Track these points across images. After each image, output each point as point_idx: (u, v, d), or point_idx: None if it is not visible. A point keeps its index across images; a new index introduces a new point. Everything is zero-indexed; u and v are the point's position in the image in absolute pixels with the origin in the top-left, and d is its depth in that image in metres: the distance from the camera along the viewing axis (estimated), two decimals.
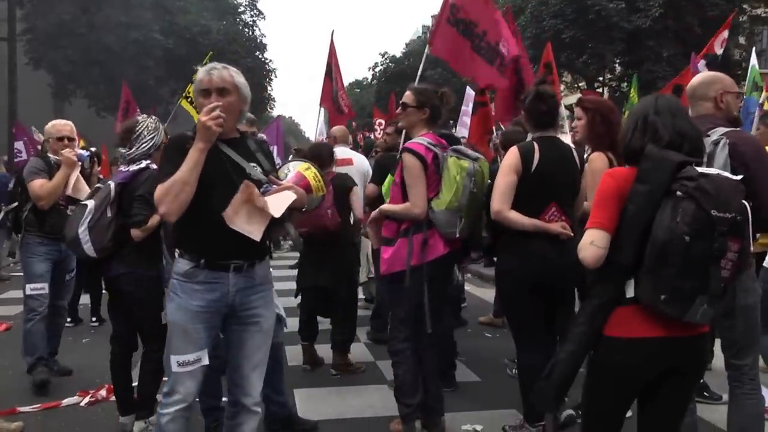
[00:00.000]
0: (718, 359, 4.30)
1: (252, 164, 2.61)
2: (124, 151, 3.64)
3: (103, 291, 4.02)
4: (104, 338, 3.99)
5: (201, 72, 2.58)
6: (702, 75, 3.31)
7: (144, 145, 3.54)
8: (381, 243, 3.65)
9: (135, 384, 3.72)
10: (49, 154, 4.58)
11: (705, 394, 4.15)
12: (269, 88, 34.02)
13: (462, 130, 8.15)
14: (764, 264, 3.99)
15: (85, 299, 6.50)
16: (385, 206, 3.61)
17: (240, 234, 2.43)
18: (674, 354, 2.14)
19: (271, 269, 2.82)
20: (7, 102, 17.52)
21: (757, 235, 3.00)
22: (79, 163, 4.47)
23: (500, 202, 3.36)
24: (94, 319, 6.46)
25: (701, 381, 4.09)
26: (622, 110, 8.36)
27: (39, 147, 7.00)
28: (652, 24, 19.58)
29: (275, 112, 36.94)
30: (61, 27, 23.30)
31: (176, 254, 2.64)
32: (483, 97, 7.65)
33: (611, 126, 3.43)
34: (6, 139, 16.54)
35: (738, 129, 2.97)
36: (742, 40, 21.43)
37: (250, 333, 2.64)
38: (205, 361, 2.58)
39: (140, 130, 3.56)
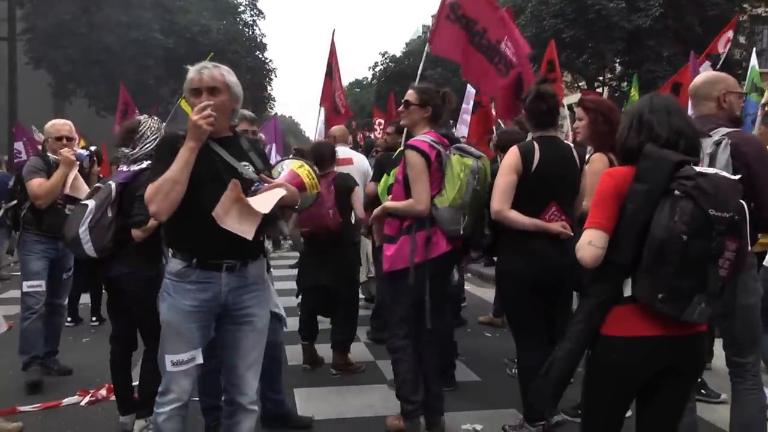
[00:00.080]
0: (718, 359, 4.31)
1: (244, 163, 2.60)
2: (127, 150, 3.64)
3: (103, 291, 4.03)
4: (104, 338, 3.99)
5: (191, 71, 2.57)
6: (705, 74, 3.30)
7: (147, 145, 3.54)
8: (383, 240, 3.66)
9: (135, 383, 3.73)
10: (49, 154, 4.59)
11: (702, 391, 4.15)
12: (269, 87, 34.07)
13: (462, 128, 8.14)
14: (764, 263, 3.99)
15: (85, 299, 6.50)
16: (388, 203, 3.61)
17: (232, 233, 2.42)
18: (672, 353, 2.14)
19: (272, 270, 2.82)
20: (7, 102, 17.51)
21: (758, 234, 2.99)
22: (78, 163, 4.47)
23: (500, 201, 3.36)
24: (94, 318, 6.47)
25: (700, 379, 4.10)
26: (622, 110, 8.35)
27: (39, 147, 7.00)
28: (652, 23, 19.58)
29: (275, 112, 36.97)
30: (61, 27, 23.31)
31: (169, 254, 2.64)
32: (482, 97, 7.66)
33: (613, 125, 3.43)
34: (6, 139, 16.55)
35: (740, 129, 2.97)
36: (742, 39, 21.40)
37: (243, 332, 2.64)
38: (199, 360, 2.58)
39: (143, 131, 3.57)
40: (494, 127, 7.74)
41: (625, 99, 15.47)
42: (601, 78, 23.82)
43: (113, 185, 3.48)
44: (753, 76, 7.57)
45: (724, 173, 2.13)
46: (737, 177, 2.11)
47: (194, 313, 2.53)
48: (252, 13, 32.99)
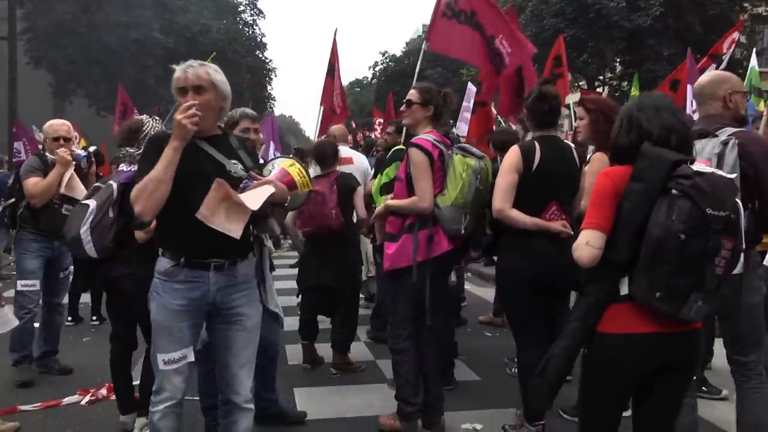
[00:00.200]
0: (718, 358, 4.32)
1: (233, 161, 2.59)
2: (132, 150, 3.63)
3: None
4: (105, 337, 4.00)
5: (177, 70, 2.57)
6: (710, 74, 3.31)
7: None
8: (385, 239, 3.66)
9: (136, 383, 3.73)
10: (47, 154, 4.60)
11: (703, 388, 4.15)
12: (269, 87, 34.08)
13: (462, 126, 8.13)
14: (764, 263, 3.99)
15: (85, 298, 6.50)
16: (391, 201, 3.60)
17: (220, 232, 2.41)
18: (668, 349, 2.15)
19: (275, 269, 2.81)
20: (7, 101, 17.53)
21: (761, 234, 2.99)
22: (74, 163, 4.47)
23: (502, 200, 3.37)
24: (94, 317, 6.47)
25: (701, 376, 4.10)
26: None
27: (39, 147, 7.00)
28: (652, 23, 19.57)
29: (276, 111, 36.99)
30: (62, 26, 23.33)
31: (159, 253, 2.63)
32: (482, 96, 7.65)
33: (613, 124, 3.42)
34: (6, 138, 16.56)
35: (745, 129, 2.97)
36: (742, 38, 21.39)
37: (234, 332, 2.64)
38: (191, 358, 2.59)
39: (148, 130, 3.57)
40: (494, 127, 7.74)
41: (625, 98, 15.46)
42: (601, 77, 23.80)
43: (115, 185, 3.46)
44: (752, 77, 7.56)
45: (721, 172, 2.15)
46: (733, 176, 2.11)
47: (183, 312, 2.53)
48: (252, 12, 33.05)
